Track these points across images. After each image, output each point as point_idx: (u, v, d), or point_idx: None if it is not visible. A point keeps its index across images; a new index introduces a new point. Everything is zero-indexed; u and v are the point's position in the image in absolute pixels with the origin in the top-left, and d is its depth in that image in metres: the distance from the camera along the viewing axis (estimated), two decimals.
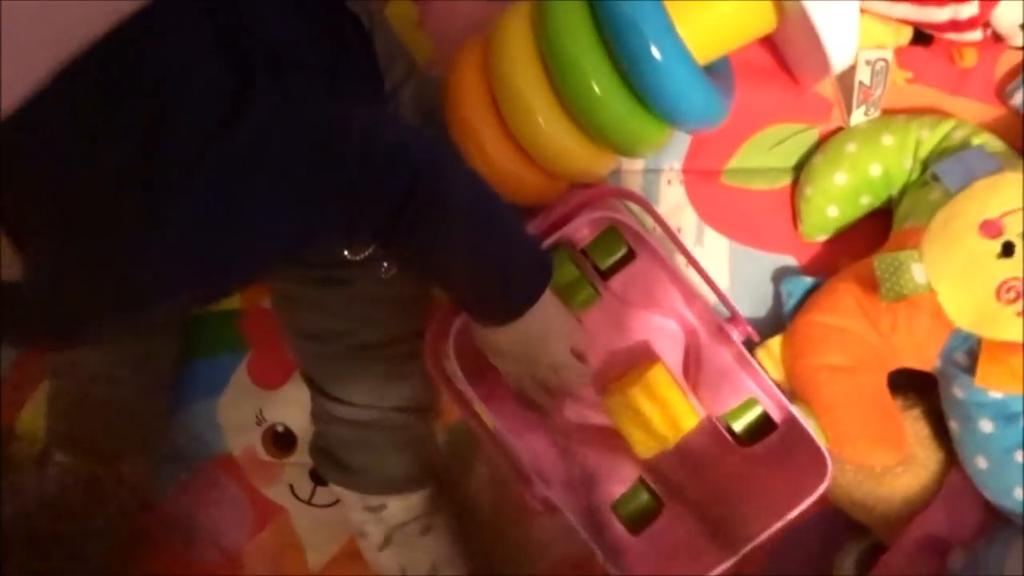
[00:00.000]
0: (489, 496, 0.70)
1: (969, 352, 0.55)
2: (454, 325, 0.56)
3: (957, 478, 0.58)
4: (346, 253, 0.58)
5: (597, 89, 0.56)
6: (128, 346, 0.66)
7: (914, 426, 0.60)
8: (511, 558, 0.70)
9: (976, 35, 0.59)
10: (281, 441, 0.71)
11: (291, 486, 0.71)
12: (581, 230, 0.63)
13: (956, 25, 0.58)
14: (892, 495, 0.59)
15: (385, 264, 0.59)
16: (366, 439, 0.63)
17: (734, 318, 0.59)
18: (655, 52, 0.53)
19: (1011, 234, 0.54)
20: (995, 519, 0.58)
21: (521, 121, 0.58)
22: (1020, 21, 0.58)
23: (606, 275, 0.64)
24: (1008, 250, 0.54)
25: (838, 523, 0.67)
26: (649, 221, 0.63)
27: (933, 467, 0.59)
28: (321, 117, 0.43)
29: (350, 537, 0.70)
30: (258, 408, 0.71)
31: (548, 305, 0.54)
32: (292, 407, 0.70)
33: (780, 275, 0.66)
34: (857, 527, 0.66)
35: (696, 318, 0.64)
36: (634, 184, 0.68)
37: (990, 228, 0.55)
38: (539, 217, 0.60)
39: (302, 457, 0.70)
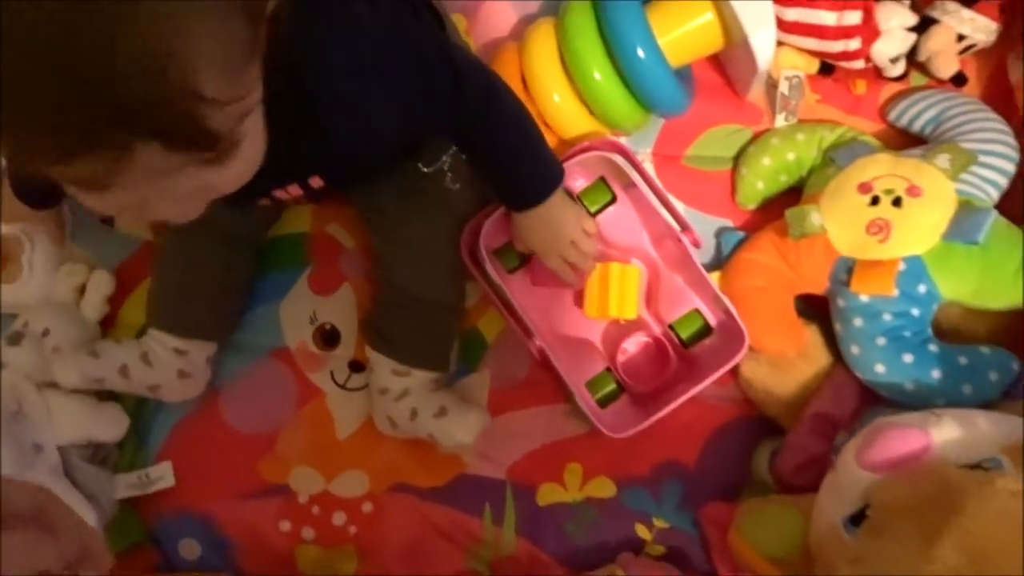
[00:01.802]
0: (487, 390, 0.89)
1: (848, 271, 0.77)
2: (485, 224, 0.79)
3: (841, 369, 0.79)
4: (420, 165, 0.80)
5: (598, 77, 0.80)
6: (220, 252, 0.85)
7: (812, 335, 0.81)
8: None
9: (859, 64, 0.84)
10: (328, 337, 0.90)
11: (331, 373, 0.90)
12: (576, 180, 0.86)
13: (846, 55, 0.83)
14: (793, 381, 0.80)
15: (450, 174, 0.81)
16: (411, 320, 0.83)
17: (686, 229, 0.81)
18: (640, 53, 0.78)
19: (878, 191, 0.77)
20: (869, 402, 0.79)
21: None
22: (890, 56, 0.84)
23: (594, 216, 0.86)
24: (875, 201, 0.77)
25: (758, 428, 0.87)
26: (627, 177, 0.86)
27: (824, 362, 0.80)
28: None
29: (369, 417, 0.88)
30: (312, 310, 0.91)
31: (563, 196, 0.77)
32: (340, 309, 0.90)
33: (721, 232, 0.89)
34: (773, 430, 0.86)
35: (659, 255, 0.86)
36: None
37: (864, 187, 0.78)
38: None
39: (344, 351, 0.90)
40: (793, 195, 0.87)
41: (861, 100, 0.90)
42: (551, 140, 0.84)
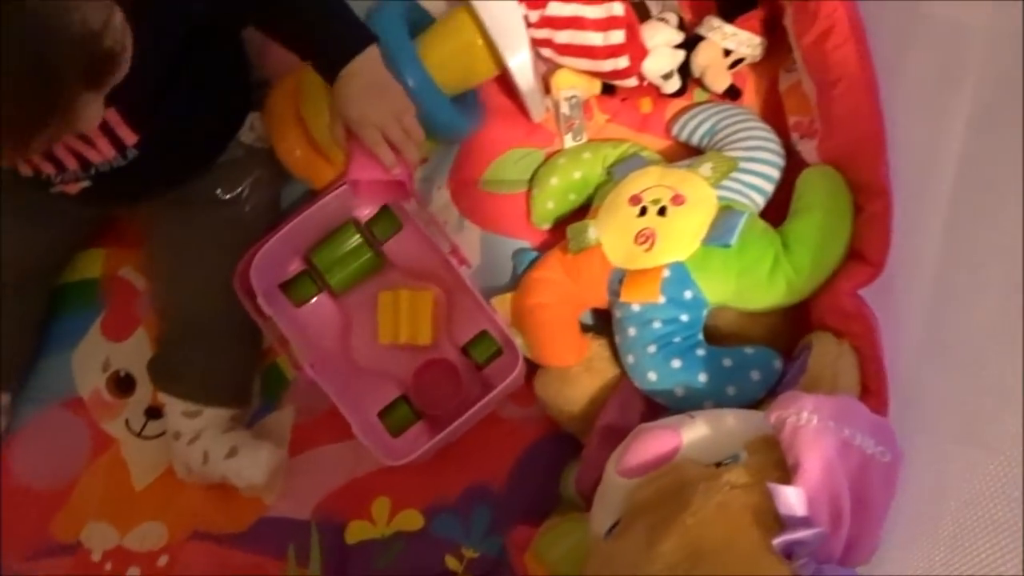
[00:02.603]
0: (290, 426, 0.87)
1: (620, 282, 0.78)
2: (258, 256, 0.78)
3: (626, 380, 0.79)
4: (219, 192, 0.79)
5: None
6: (9, 297, 0.83)
7: (598, 348, 0.81)
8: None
9: (632, 81, 0.86)
10: (123, 384, 0.88)
11: (127, 421, 0.87)
12: (363, 210, 0.85)
13: (617, 73, 0.85)
14: (581, 395, 0.80)
15: (248, 206, 0.81)
16: (199, 356, 0.81)
17: (454, 251, 0.81)
18: (409, 83, 0.79)
19: (646, 201, 0.79)
20: (653, 410, 0.79)
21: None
22: (661, 73, 0.86)
23: (382, 242, 0.86)
24: (643, 212, 0.78)
25: (568, 446, 0.87)
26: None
27: (610, 375, 0.80)
28: None
29: (169, 465, 0.85)
30: (105, 356, 0.88)
31: (386, 71, 0.74)
32: (135, 354, 0.88)
33: (516, 253, 0.90)
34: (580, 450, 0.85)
35: (450, 278, 0.86)
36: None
37: (635, 199, 0.79)
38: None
39: (140, 397, 0.87)
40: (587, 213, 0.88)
41: (648, 118, 0.92)
42: (333, 173, 0.84)
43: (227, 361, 0.83)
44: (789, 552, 0.53)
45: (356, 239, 0.84)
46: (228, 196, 0.82)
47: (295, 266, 0.85)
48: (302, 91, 0.81)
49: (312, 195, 0.83)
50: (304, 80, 0.81)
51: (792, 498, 0.53)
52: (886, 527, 0.58)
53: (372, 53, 0.73)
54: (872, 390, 0.68)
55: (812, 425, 0.56)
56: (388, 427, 0.82)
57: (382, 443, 0.80)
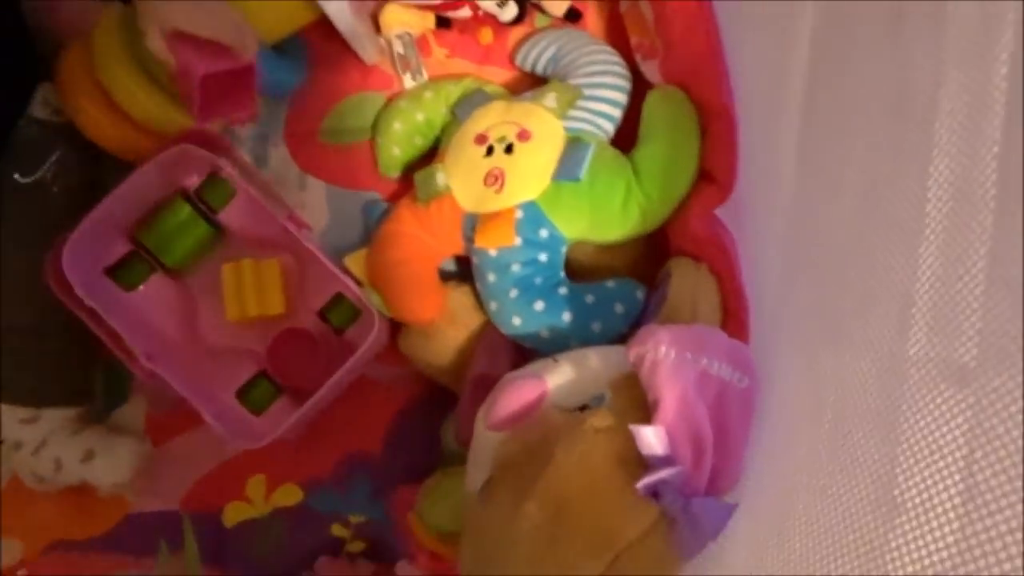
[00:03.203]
0: (142, 418, 0.81)
1: (474, 227, 0.75)
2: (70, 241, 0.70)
3: (491, 328, 0.77)
4: (17, 176, 0.70)
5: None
6: None
7: (460, 298, 0.78)
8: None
9: (466, 11, 0.81)
10: None
11: None
12: (190, 177, 0.78)
13: (448, 5, 0.80)
14: (448, 349, 0.77)
15: (55, 188, 0.73)
16: (25, 358, 0.73)
17: (291, 217, 0.76)
18: None
19: (492, 140, 0.75)
20: (522, 355, 0.77)
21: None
22: (496, 1, 0.81)
23: (217, 212, 0.79)
24: (490, 151, 0.75)
25: (444, 401, 0.84)
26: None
27: (474, 325, 0.78)
28: None
29: (14, 475, 0.78)
30: None
31: None
32: None
33: (367, 206, 0.85)
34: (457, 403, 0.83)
35: (296, 242, 0.80)
36: (245, 148, 0.85)
37: (480, 138, 0.76)
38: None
39: None
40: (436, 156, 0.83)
41: (490, 49, 0.87)
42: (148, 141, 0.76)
43: (58, 358, 0.76)
44: (655, 492, 0.52)
45: (186, 211, 0.78)
46: (29, 180, 0.73)
47: (121, 248, 0.77)
48: (97, 53, 0.72)
49: (130, 168, 0.75)
50: (98, 41, 0.72)
51: (652, 438, 0.52)
52: (772, 438, 0.58)
53: None
54: (732, 312, 0.68)
55: (670, 360, 0.55)
56: (249, 406, 0.78)
57: (244, 424, 0.76)
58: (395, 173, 0.85)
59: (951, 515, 0.39)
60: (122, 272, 0.77)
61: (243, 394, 0.78)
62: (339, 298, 0.79)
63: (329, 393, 0.74)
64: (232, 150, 0.75)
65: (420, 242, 0.78)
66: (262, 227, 0.80)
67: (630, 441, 0.53)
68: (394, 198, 0.85)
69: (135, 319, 0.75)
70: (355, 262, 0.80)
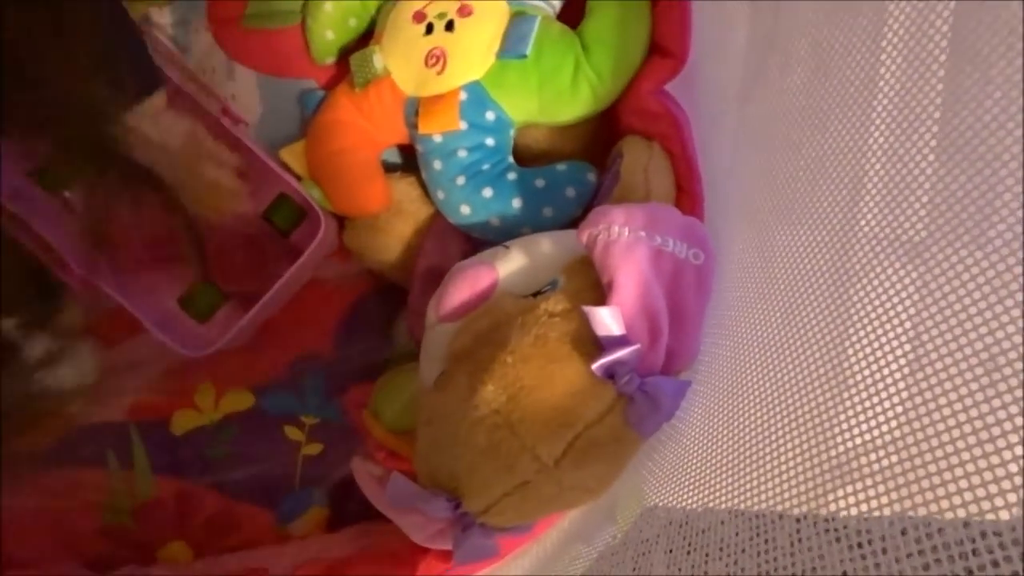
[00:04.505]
0: (79, 325, 0.78)
1: (417, 112, 0.71)
2: None
3: (439, 219, 0.74)
4: None
5: None
6: None
7: (406, 189, 0.75)
8: None
9: None
10: None
11: None
12: None
13: None
14: (395, 241, 0.74)
15: None
16: None
17: (225, 111, 0.71)
18: None
19: (431, 17, 0.70)
20: (473, 245, 0.75)
21: None
22: None
23: None
24: (429, 29, 0.70)
25: (395, 297, 0.82)
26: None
27: (422, 216, 0.75)
28: None
29: None
30: None
31: None
32: None
33: (303, 95, 0.80)
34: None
35: (231, 141, 0.75)
36: (165, 35, 0.78)
37: (418, 16, 0.71)
38: None
39: None
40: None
41: None
42: None
43: None
44: (611, 373, 0.51)
45: None
46: None
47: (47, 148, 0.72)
48: None
49: None
50: None
51: (607, 318, 0.50)
52: (723, 315, 0.58)
53: None
54: (686, 188, 0.66)
55: (623, 239, 0.53)
56: (193, 313, 0.74)
57: (189, 332, 0.73)
58: (330, 59, 0.79)
59: (900, 385, 0.40)
60: (48, 176, 0.71)
61: (186, 301, 0.74)
62: (283, 199, 0.75)
63: (277, 298, 0.72)
64: (152, 38, 0.70)
65: (360, 130, 0.74)
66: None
67: (585, 324, 0.52)
68: (331, 85, 0.80)
69: (65, 225, 0.70)
70: (292, 154, 0.75)
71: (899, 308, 0.42)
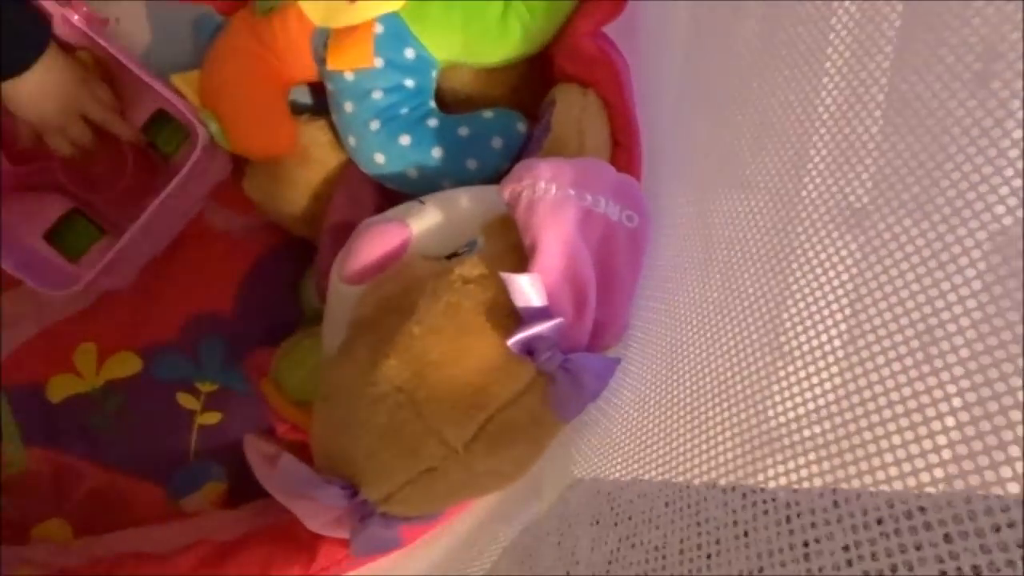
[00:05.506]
0: None
1: (326, 46, 0.63)
2: None
3: (351, 168, 0.67)
4: None
5: None
6: None
7: (314, 133, 0.67)
8: None
9: None
10: None
11: None
12: None
13: None
14: (301, 193, 0.67)
15: None
16: None
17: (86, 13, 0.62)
18: None
19: None
20: (388, 199, 0.68)
21: None
22: None
23: None
24: None
25: (303, 256, 0.75)
26: None
27: (332, 164, 0.67)
28: None
29: None
30: None
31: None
32: None
33: (199, 21, 0.71)
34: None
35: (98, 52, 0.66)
36: None
37: None
38: None
39: None
40: None
41: None
42: None
43: None
44: (530, 349, 0.45)
45: None
46: None
47: None
48: None
49: None
50: None
51: (527, 287, 0.44)
52: (659, 284, 0.53)
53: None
54: (623, 143, 0.60)
55: (549, 196, 0.47)
56: (63, 249, 0.65)
57: (57, 272, 0.64)
58: None
59: (838, 354, 0.39)
60: None
61: (54, 235, 0.65)
62: (162, 117, 0.66)
63: (156, 231, 0.63)
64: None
65: (263, 62, 0.65)
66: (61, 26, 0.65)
67: (503, 292, 0.46)
68: (230, 11, 0.70)
69: None
70: (186, 82, 0.67)
71: (839, 277, 0.40)
